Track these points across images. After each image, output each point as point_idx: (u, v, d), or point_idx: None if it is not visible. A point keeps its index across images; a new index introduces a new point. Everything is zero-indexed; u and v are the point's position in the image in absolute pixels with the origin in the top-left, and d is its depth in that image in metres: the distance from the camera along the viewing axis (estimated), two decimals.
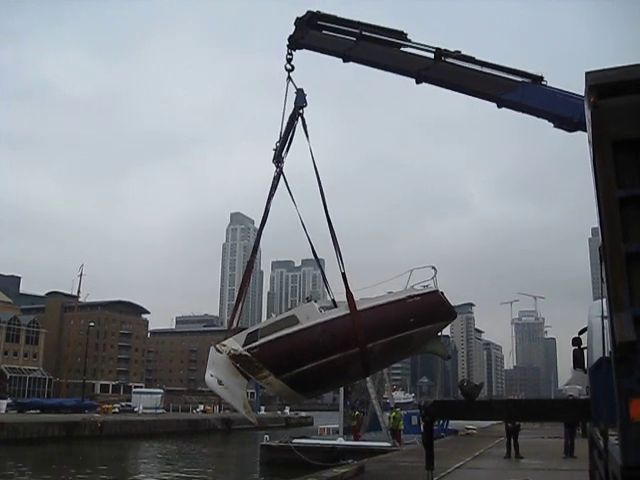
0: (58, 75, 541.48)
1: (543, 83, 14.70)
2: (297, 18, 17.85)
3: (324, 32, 17.70)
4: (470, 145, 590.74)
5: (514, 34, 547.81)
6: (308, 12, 17.77)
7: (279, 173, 16.41)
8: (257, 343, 14.30)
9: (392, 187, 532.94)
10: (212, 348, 14.88)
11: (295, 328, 14.29)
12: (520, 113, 15.02)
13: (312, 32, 17.67)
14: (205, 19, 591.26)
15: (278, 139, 16.82)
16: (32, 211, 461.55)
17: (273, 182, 16.30)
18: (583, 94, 13.03)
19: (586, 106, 5.96)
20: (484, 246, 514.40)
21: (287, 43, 17.75)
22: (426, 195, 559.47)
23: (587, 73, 5.75)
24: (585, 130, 12.35)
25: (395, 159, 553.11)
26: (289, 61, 17.52)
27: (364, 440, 35.29)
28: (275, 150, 16.61)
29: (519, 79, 14.87)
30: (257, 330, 15.08)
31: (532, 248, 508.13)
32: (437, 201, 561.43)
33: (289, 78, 17.24)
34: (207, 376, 14.55)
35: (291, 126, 16.68)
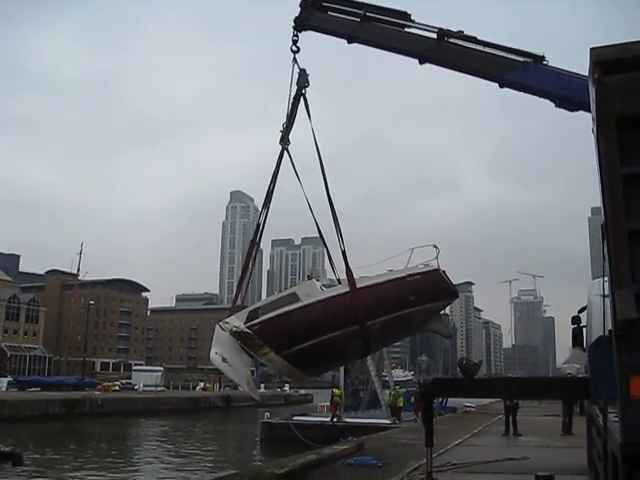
0: (49, 60, 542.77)
1: (544, 63, 14.62)
2: (302, 0, 17.77)
3: (329, 13, 17.65)
4: (459, 126, 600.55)
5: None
6: None
7: (281, 153, 16.33)
8: (258, 320, 14.43)
9: (382, 168, 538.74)
10: (217, 326, 15.02)
11: (295, 305, 14.40)
12: (521, 93, 14.99)
13: (317, 13, 17.63)
14: (195, 6, 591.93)
15: (285, 120, 16.73)
16: (29, 192, 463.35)
17: (278, 162, 16.24)
18: (583, 74, 13.14)
19: (590, 83, 5.91)
20: (479, 226, 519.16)
21: (292, 25, 17.70)
22: (417, 176, 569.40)
23: (591, 49, 5.69)
24: (586, 110, 12.48)
25: (384, 140, 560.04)
26: (294, 43, 17.48)
27: (360, 418, 35.49)
28: (282, 131, 16.54)
29: (521, 59, 14.80)
30: (258, 308, 15.22)
31: (526, 229, 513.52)
32: (428, 182, 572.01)
33: (294, 60, 17.18)
34: (212, 353, 14.71)
35: (295, 107, 16.67)
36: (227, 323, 14.74)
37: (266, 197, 16.19)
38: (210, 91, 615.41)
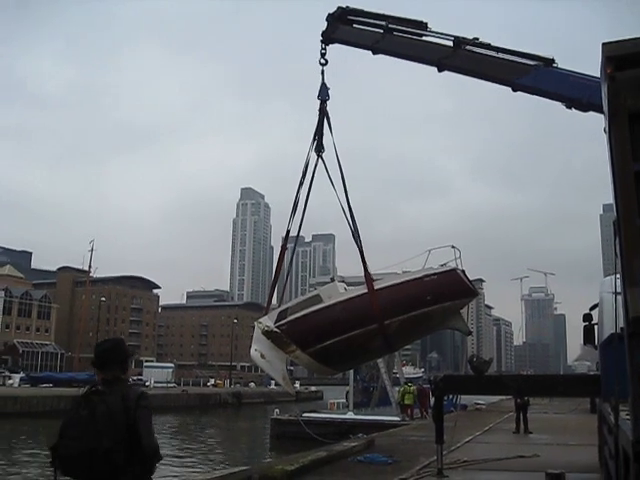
0: (35, 73, 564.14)
1: (554, 65, 14.84)
2: (328, 14, 18.27)
3: (354, 26, 18.14)
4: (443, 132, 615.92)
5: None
6: (338, 8, 18.14)
7: (316, 161, 16.85)
8: (285, 320, 15.43)
9: (368, 172, 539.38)
10: (256, 324, 16.11)
11: (318, 306, 15.30)
12: (535, 96, 15.27)
13: (343, 27, 18.12)
14: (173, 23, 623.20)
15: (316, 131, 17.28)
16: (28, 194, 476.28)
17: (313, 170, 16.75)
18: (591, 74, 13.22)
19: (602, 78, 5.86)
20: (478, 226, 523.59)
21: (320, 39, 18.19)
22: (402, 180, 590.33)
23: (604, 44, 5.64)
24: (596, 110, 12.55)
25: (370, 148, 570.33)
26: (323, 55, 18.02)
27: (369, 415, 35.54)
28: (315, 140, 17.11)
29: (532, 63, 15.04)
30: (287, 308, 16.15)
31: (530, 228, 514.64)
32: (413, 185, 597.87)
33: (322, 72, 17.77)
34: (252, 350, 15.85)
35: (321, 118, 17.30)
36: (260, 323, 15.82)
37: (294, 205, 16.65)
38: (191, 102, 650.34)
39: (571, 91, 14.19)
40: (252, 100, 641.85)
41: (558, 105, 14.55)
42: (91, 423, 4.33)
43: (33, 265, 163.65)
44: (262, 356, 15.54)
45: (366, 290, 15.03)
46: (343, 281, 17.36)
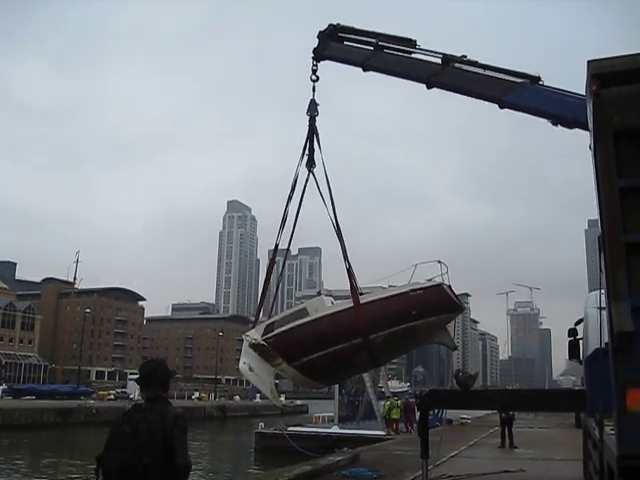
0: (23, 86, 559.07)
1: (540, 83, 15.01)
2: (319, 31, 18.38)
3: (345, 44, 18.26)
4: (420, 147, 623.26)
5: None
6: (329, 25, 18.26)
7: (307, 176, 16.94)
8: (272, 333, 15.49)
9: (348, 184, 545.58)
10: (244, 337, 16.22)
11: (304, 320, 15.38)
12: (521, 113, 15.43)
13: (333, 44, 18.24)
14: (158, 39, 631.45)
15: (307, 146, 17.36)
16: (15, 202, 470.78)
17: (304, 184, 16.88)
18: (575, 92, 13.39)
19: (587, 95, 5.93)
20: (459, 241, 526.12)
21: (312, 55, 18.32)
22: (382, 192, 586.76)
23: (589, 62, 5.70)
24: (581, 127, 12.68)
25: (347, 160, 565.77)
26: (314, 72, 18.15)
27: (355, 429, 35.43)
28: (307, 155, 17.16)
29: (519, 80, 15.18)
30: (274, 322, 16.20)
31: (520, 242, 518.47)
32: (393, 197, 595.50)
33: (313, 89, 17.94)
34: (241, 363, 15.89)
35: (310, 134, 17.39)
36: (248, 336, 15.88)
37: (283, 219, 16.63)
38: (177, 115, 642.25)
39: (556, 108, 14.33)
40: (238, 113, 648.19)
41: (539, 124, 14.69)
42: (133, 439, 4.68)
43: (17, 276, 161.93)
44: (250, 369, 15.57)
45: (352, 304, 15.04)
46: (330, 295, 17.40)
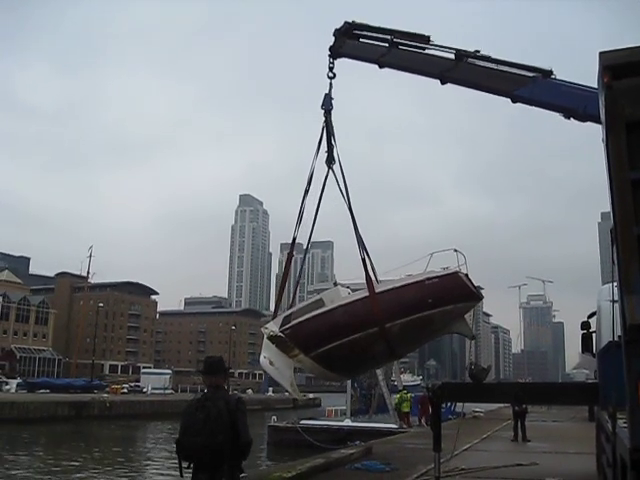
0: (27, 87, 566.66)
1: (552, 77, 15.06)
2: (335, 29, 18.47)
3: (361, 41, 18.36)
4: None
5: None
6: (345, 23, 18.33)
7: (327, 173, 16.90)
8: (289, 325, 15.49)
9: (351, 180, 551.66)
10: (263, 330, 16.21)
11: (320, 310, 15.35)
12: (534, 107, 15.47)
13: (349, 42, 18.35)
14: (158, 41, 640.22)
15: (326, 142, 17.30)
16: (28, 201, 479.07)
17: (324, 181, 16.85)
18: (587, 85, 13.38)
19: (599, 87, 5.89)
20: (469, 234, 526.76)
21: (328, 53, 18.38)
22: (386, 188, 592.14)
23: (601, 53, 5.67)
24: (593, 121, 12.65)
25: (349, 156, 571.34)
26: (331, 69, 18.19)
27: (367, 422, 35.49)
28: (326, 152, 17.15)
29: (530, 74, 15.24)
30: (291, 313, 16.19)
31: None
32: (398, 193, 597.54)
33: (330, 85, 17.94)
34: (261, 358, 15.86)
35: (327, 128, 17.36)
36: (266, 328, 15.92)
37: (300, 213, 16.71)
38: (176, 115, 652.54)
39: (568, 101, 14.40)
40: (246, 110, 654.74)
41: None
42: (207, 423, 6.09)
43: (31, 270, 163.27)
44: (271, 363, 15.59)
45: (367, 293, 14.99)
46: (348, 287, 17.34)
